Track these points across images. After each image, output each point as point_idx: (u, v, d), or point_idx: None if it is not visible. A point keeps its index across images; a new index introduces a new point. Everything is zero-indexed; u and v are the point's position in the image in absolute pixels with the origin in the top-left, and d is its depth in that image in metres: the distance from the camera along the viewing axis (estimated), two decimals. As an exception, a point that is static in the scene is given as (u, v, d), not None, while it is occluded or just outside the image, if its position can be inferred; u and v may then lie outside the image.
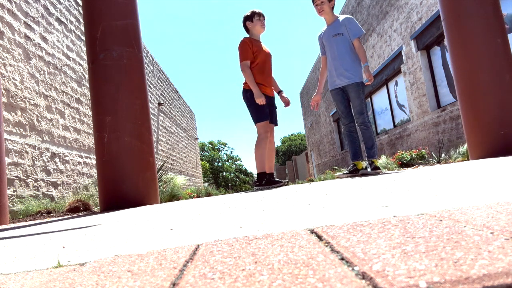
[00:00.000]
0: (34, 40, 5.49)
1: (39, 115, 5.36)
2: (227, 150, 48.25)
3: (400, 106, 9.97)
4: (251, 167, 63.89)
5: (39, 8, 5.78)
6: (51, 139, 5.61)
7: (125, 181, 3.21)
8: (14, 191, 4.57)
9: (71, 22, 6.92)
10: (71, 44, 6.76)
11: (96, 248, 0.97)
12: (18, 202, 4.52)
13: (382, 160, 6.98)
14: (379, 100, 11.49)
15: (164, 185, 5.93)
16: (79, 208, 4.10)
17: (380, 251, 0.58)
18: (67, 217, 2.85)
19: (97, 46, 3.32)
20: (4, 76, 4.66)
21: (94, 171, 6.91)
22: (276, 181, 3.85)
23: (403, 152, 7.10)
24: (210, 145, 45.73)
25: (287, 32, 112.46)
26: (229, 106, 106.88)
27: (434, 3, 7.30)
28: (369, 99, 12.04)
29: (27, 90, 5.15)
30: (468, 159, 4.47)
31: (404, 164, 6.69)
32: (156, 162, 4.83)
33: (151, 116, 6.35)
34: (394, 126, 10.48)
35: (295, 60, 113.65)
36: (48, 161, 5.43)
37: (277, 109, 4.07)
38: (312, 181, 10.26)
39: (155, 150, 8.26)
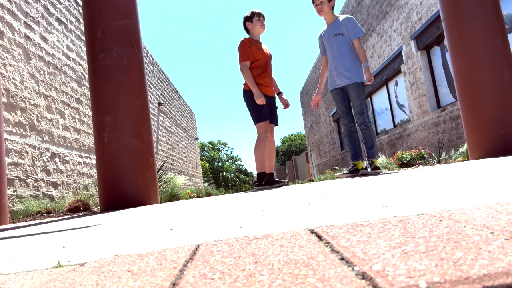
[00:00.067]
0: (34, 40, 5.49)
1: (39, 115, 5.36)
2: (227, 150, 48.28)
3: (400, 106, 9.97)
4: (251, 167, 63.91)
5: (39, 8, 5.78)
6: (51, 139, 5.61)
7: (125, 181, 3.21)
8: (14, 191, 4.57)
9: (71, 22, 6.92)
10: (71, 44, 6.76)
11: (96, 248, 0.97)
12: (18, 202, 4.52)
13: (381, 160, 6.98)
14: (379, 100, 11.49)
15: (164, 185, 5.93)
16: (79, 208, 4.10)
17: (380, 251, 0.58)
18: (67, 217, 2.85)
19: (97, 46, 3.32)
20: (4, 76, 4.66)
21: (94, 171, 6.91)
22: (276, 181, 3.85)
23: (403, 152, 7.10)
24: (210, 145, 45.74)
25: (287, 32, 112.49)
26: (229, 106, 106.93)
27: (434, 3, 7.30)
28: (369, 99, 12.04)
29: (27, 90, 5.15)
30: (468, 159, 4.47)
31: (404, 164, 6.69)
32: (156, 162, 4.83)
33: (151, 116, 6.35)
34: (394, 126, 10.48)
35: (295, 60, 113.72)
36: (48, 161, 5.43)
37: (277, 109, 4.08)
38: (312, 181, 10.26)
39: (155, 150, 8.26)
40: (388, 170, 6.08)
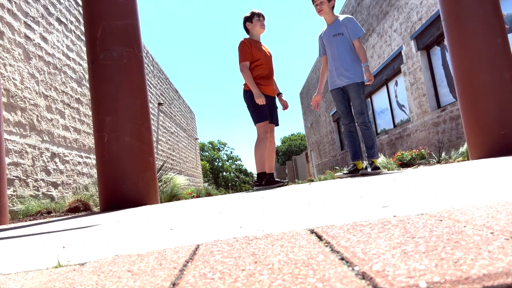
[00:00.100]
0: (34, 40, 5.49)
1: (39, 115, 5.36)
2: (227, 150, 48.29)
3: (400, 106, 9.97)
4: (251, 167, 63.92)
5: (39, 8, 5.78)
6: (51, 139, 5.61)
7: (125, 181, 3.21)
8: (14, 191, 4.57)
9: (71, 22, 6.92)
10: (71, 44, 6.76)
11: (96, 248, 0.97)
12: (18, 202, 4.52)
13: (381, 160, 6.98)
14: (379, 100, 11.49)
15: (164, 185, 5.93)
16: (79, 208, 4.10)
17: (380, 251, 0.58)
18: (67, 217, 2.85)
19: (97, 46, 3.32)
20: (4, 76, 4.66)
21: (94, 171, 6.91)
22: (276, 181, 3.85)
23: (403, 152, 7.10)
24: (210, 145, 45.74)
25: (287, 32, 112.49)
26: (229, 106, 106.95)
27: (434, 3, 7.31)
28: (369, 99, 12.04)
29: (27, 90, 5.15)
30: (468, 159, 4.47)
31: (404, 164, 6.69)
32: (156, 162, 4.83)
33: (151, 116, 6.35)
34: (394, 126, 10.48)
35: (295, 60, 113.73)
36: (48, 161, 5.43)
37: (278, 109, 4.08)
38: (312, 181, 10.26)
39: (155, 150, 8.26)
40: (388, 170, 6.08)
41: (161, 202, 3.93)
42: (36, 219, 3.37)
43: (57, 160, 5.70)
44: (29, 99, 5.16)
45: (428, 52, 8.22)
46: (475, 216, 0.75)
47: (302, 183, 7.01)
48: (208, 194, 9.77)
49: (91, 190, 6.32)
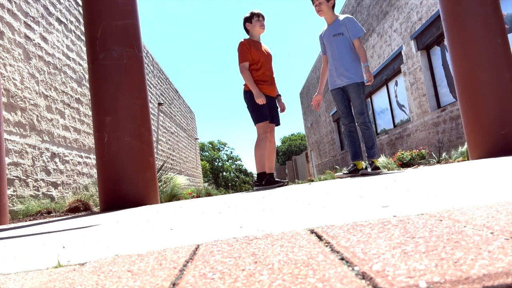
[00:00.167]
0: (34, 40, 5.49)
1: (39, 115, 5.36)
2: (227, 150, 48.29)
3: (400, 106, 9.97)
4: (251, 167, 63.92)
5: (39, 8, 5.78)
6: (51, 139, 5.61)
7: (125, 181, 3.21)
8: (14, 191, 4.57)
9: (71, 22, 6.92)
10: (71, 44, 6.76)
11: (96, 248, 0.97)
12: (18, 202, 4.52)
13: (381, 160, 6.98)
14: (379, 100, 11.49)
15: (164, 185, 5.93)
16: (79, 208, 4.10)
17: (380, 251, 0.58)
18: (67, 217, 2.85)
19: (97, 46, 3.32)
20: (4, 76, 4.66)
21: (94, 171, 6.91)
22: (276, 181, 3.85)
23: (403, 152, 7.10)
24: (210, 145, 45.74)
25: (287, 32, 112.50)
26: (229, 106, 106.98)
27: (434, 3, 7.31)
28: (369, 99, 12.04)
29: (27, 90, 5.15)
30: (468, 159, 4.47)
31: (404, 164, 6.69)
32: (156, 162, 4.83)
33: (151, 116, 6.35)
34: (394, 126, 10.48)
35: (295, 60, 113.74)
36: (48, 161, 5.43)
37: (278, 109, 4.08)
38: (312, 181, 10.26)
39: (155, 150, 8.26)
40: (388, 170, 6.08)
41: (161, 202, 3.93)
42: (36, 219, 3.37)
43: (57, 160, 5.70)
44: (29, 99, 5.16)
45: (428, 52, 8.22)
46: (475, 216, 0.75)
47: (302, 183, 7.01)
48: (208, 194, 9.77)
49: (91, 190, 6.32)
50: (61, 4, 6.57)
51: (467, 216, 0.76)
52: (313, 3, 3.88)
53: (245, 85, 3.84)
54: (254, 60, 3.82)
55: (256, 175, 3.88)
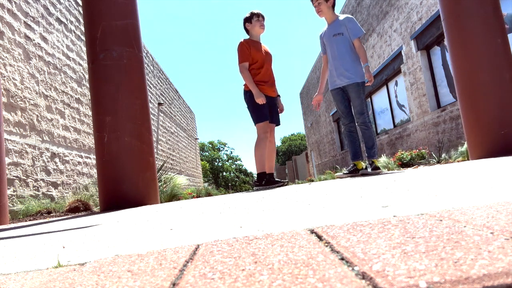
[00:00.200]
0: (34, 40, 5.49)
1: (39, 115, 5.36)
2: (227, 150, 48.30)
3: (400, 106, 9.97)
4: (251, 167, 63.92)
5: (39, 8, 5.78)
6: (51, 139, 5.61)
7: (125, 181, 3.21)
8: (14, 191, 4.57)
9: (71, 22, 6.92)
10: (71, 44, 6.76)
11: (96, 248, 0.97)
12: (18, 202, 4.52)
13: (381, 160, 6.98)
14: (379, 100, 11.49)
15: (164, 185, 5.93)
16: (79, 208, 4.10)
17: (380, 251, 0.58)
18: (67, 217, 2.85)
19: (97, 46, 3.32)
20: (4, 76, 4.66)
21: (94, 171, 6.91)
22: (276, 181, 3.85)
23: (403, 152, 7.10)
24: (210, 145, 45.74)
25: (287, 32, 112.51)
26: (229, 106, 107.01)
27: (434, 3, 7.31)
28: (369, 99, 12.04)
29: (27, 90, 5.15)
30: (468, 159, 4.47)
31: (404, 164, 6.69)
32: (156, 162, 4.83)
33: (151, 116, 6.35)
34: (394, 126, 10.48)
35: (295, 60, 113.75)
36: (48, 161, 5.43)
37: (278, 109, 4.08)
38: (312, 181, 10.25)
39: (155, 150, 8.26)
40: (388, 170, 6.08)
41: (161, 202, 3.93)
42: (36, 219, 3.37)
43: (57, 160, 5.70)
44: (29, 99, 5.16)
45: (428, 52, 8.22)
46: (475, 216, 0.75)
47: (302, 183, 7.01)
48: (208, 194, 9.77)
49: (91, 190, 6.32)
50: (61, 4, 6.57)
51: (467, 216, 0.76)
52: (312, 4, 3.88)
53: (245, 85, 3.84)
54: (254, 60, 3.82)
55: (256, 175, 3.88)
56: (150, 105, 11.71)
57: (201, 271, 0.60)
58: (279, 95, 4.11)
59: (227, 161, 46.35)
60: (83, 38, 7.20)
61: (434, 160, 6.35)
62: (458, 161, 4.97)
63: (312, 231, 0.82)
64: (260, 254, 0.66)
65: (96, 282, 0.62)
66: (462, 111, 3.97)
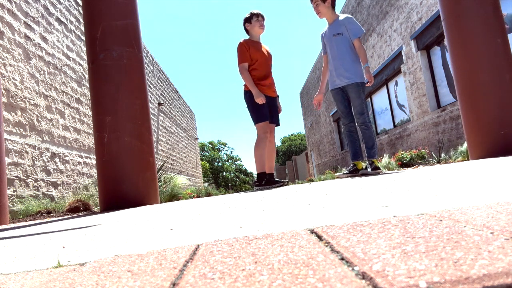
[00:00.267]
0: (34, 40, 5.49)
1: (39, 115, 5.36)
2: (227, 150, 48.31)
3: (400, 106, 9.97)
4: (251, 167, 63.92)
5: (39, 8, 5.78)
6: (51, 139, 5.61)
7: (125, 181, 3.21)
8: (14, 191, 4.57)
9: (71, 22, 6.92)
10: (71, 44, 6.76)
11: (96, 248, 0.97)
12: (18, 202, 4.52)
13: (384, 160, 6.98)
14: (379, 100, 11.49)
15: (164, 185, 5.93)
16: (79, 208, 4.10)
17: (380, 251, 0.58)
18: (67, 217, 2.85)
19: (97, 46, 3.32)
20: (4, 76, 4.66)
21: (94, 171, 6.91)
22: (276, 181, 3.85)
23: (403, 152, 7.10)
24: (210, 145, 45.75)
25: (287, 32, 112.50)
26: (229, 106, 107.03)
27: (434, 3, 7.31)
28: (369, 99, 12.04)
29: (27, 90, 5.15)
30: (468, 159, 4.47)
31: (404, 164, 6.69)
32: (156, 162, 4.83)
33: (151, 116, 6.35)
34: (394, 126, 10.48)
35: (295, 60, 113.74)
36: (48, 161, 5.43)
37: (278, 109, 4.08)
38: (312, 181, 10.25)
39: (155, 150, 8.26)
40: (388, 170, 6.08)
41: (161, 202, 3.93)
42: (36, 219, 3.37)
43: (57, 160, 5.70)
44: (29, 99, 5.16)
45: (428, 52, 8.22)
46: (475, 216, 0.75)
47: (302, 183, 7.01)
48: (208, 194, 9.77)
49: (91, 190, 6.32)
50: (61, 4, 6.57)
51: (467, 216, 0.76)
52: (312, 5, 3.89)
53: (245, 85, 3.84)
54: (254, 61, 3.82)
55: (256, 175, 3.88)
56: (150, 105, 11.71)
57: (201, 271, 0.60)
58: (278, 96, 4.11)
59: (227, 161, 46.36)
60: (83, 38, 7.20)
61: (434, 160, 6.35)
62: (458, 161, 4.97)
63: (312, 231, 0.82)
64: (260, 254, 0.66)
65: (96, 282, 0.62)
66: (462, 111, 3.97)
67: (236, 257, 0.66)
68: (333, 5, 3.87)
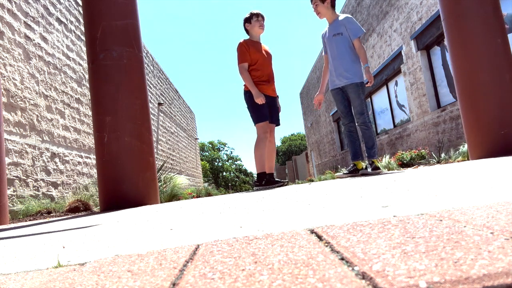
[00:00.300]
0: (34, 40, 5.49)
1: (39, 115, 5.36)
2: (227, 150, 48.31)
3: (400, 106, 9.97)
4: (251, 167, 63.91)
5: (39, 8, 5.78)
6: (51, 139, 5.61)
7: (125, 181, 3.21)
8: (14, 191, 4.57)
9: (71, 22, 6.92)
10: (71, 44, 6.76)
11: (96, 248, 0.97)
12: (18, 202, 4.52)
13: (385, 160, 6.98)
14: (379, 100, 11.49)
15: (164, 185, 5.93)
16: (79, 208, 4.10)
17: (380, 251, 0.58)
18: (67, 217, 2.85)
19: (97, 46, 3.32)
20: (4, 76, 4.66)
21: (94, 171, 6.91)
22: (276, 181, 3.85)
23: (403, 152, 7.10)
24: (210, 145, 45.74)
25: (287, 32, 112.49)
26: (229, 106, 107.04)
27: (434, 3, 7.31)
28: (369, 99, 12.04)
29: (27, 90, 5.15)
30: (468, 159, 4.47)
31: (404, 164, 6.69)
32: (156, 162, 4.83)
33: (151, 116, 6.35)
34: (394, 126, 10.48)
35: (295, 60, 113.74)
36: (48, 161, 5.43)
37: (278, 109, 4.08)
38: (312, 181, 10.25)
39: (155, 150, 8.26)
40: (388, 170, 6.08)
41: (161, 202, 3.93)
42: (36, 219, 3.37)
43: (57, 160, 5.70)
44: (29, 99, 5.16)
45: (428, 52, 8.22)
46: (475, 216, 0.75)
47: (302, 183, 7.01)
48: (208, 194, 9.77)
49: (91, 190, 6.32)
50: (61, 4, 6.57)
51: (467, 216, 0.76)
52: (312, 5, 3.90)
53: (245, 85, 3.84)
54: (254, 61, 3.82)
55: (256, 175, 3.88)
56: (150, 105, 11.70)
57: (201, 271, 0.60)
58: (277, 96, 4.11)
59: (227, 161, 46.35)
60: (83, 38, 7.20)
61: (434, 160, 6.35)
62: (458, 161, 4.97)
63: (312, 231, 0.82)
64: (260, 254, 0.66)
65: (96, 282, 0.62)
66: (462, 111, 3.97)
67: (236, 257, 0.66)
68: (333, 5, 3.87)
